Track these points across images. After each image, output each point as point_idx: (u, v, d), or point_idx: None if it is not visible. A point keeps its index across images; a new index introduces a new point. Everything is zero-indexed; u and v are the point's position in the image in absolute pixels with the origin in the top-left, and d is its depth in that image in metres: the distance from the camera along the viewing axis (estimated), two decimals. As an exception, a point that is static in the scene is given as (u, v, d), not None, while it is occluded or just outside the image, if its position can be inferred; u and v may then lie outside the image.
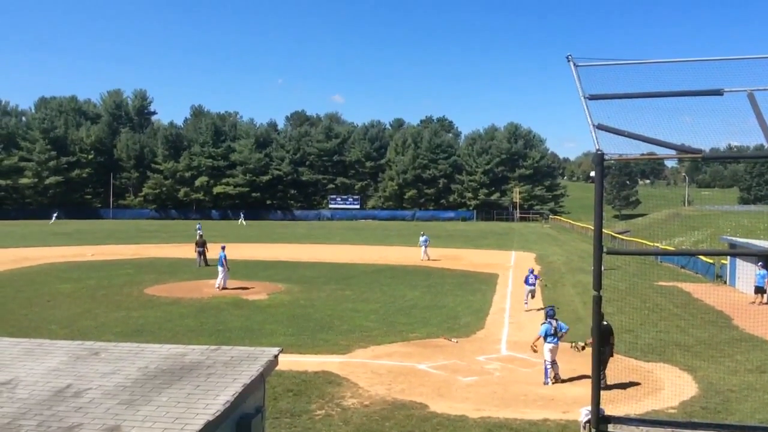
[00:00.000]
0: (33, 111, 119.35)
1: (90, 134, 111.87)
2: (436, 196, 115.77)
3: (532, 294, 25.29)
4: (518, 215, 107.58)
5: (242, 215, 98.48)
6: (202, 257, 36.81)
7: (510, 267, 39.15)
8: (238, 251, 39.64)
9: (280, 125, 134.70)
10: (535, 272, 27.36)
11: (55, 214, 62.40)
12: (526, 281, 25.53)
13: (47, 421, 6.04)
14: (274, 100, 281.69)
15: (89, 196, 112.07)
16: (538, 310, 23.01)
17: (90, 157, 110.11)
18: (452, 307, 24.96)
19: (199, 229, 63.30)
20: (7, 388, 6.89)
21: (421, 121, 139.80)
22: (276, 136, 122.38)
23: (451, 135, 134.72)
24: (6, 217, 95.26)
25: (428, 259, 41.33)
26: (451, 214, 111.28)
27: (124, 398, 6.61)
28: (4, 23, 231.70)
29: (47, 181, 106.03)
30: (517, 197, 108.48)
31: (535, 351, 15.62)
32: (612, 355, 14.64)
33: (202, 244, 37.25)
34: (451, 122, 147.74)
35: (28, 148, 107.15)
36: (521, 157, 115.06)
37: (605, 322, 14.59)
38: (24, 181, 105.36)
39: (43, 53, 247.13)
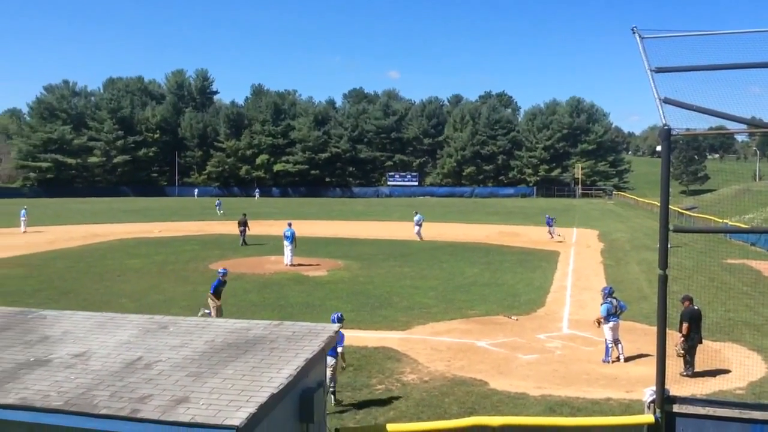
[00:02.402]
0: (101, 91, 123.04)
1: (155, 114, 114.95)
2: (495, 173, 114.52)
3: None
4: (580, 191, 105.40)
5: (257, 192, 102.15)
6: (243, 236, 36.93)
7: (571, 244, 38.51)
8: (298, 228, 40.14)
9: (338, 103, 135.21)
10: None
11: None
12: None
13: (119, 392, 6.29)
14: (332, 78, 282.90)
15: (155, 175, 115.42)
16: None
17: (156, 136, 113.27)
18: (512, 285, 24.77)
19: (218, 205, 64.97)
20: (81, 360, 7.21)
21: (480, 97, 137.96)
22: (334, 114, 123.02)
23: (510, 110, 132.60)
24: (76, 195, 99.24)
25: (421, 240, 39.39)
26: (511, 190, 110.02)
27: (191, 370, 6.82)
28: (72, 7, 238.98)
29: (115, 160, 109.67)
30: (579, 173, 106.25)
31: (598, 326, 15.43)
32: (701, 342, 14.26)
33: (243, 223, 37.19)
34: (510, 97, 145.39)
35: (97, 127, 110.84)
36: (583, 131, 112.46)
37: (695, 307, 14.26)
38: (93, 160, 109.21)
39: (111, 34, 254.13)
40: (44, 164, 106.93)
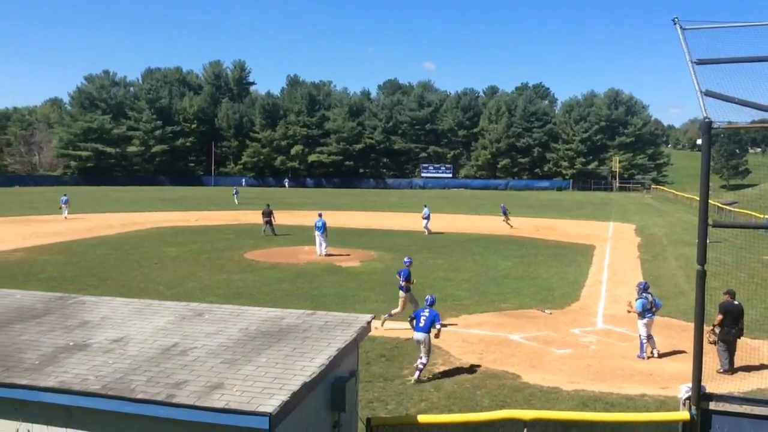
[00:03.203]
0: (140, 82, 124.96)
1: (193, 104, 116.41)
2: (530, 165, 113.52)
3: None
4: (617, 185, 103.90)
5: (287, 181, 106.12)
6: (269, 225, 36.99)
7: (608, 238, 38.02)
8: (331, 219, 40.37)
9: (373, 94, 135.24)
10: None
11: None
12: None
13: (156, 377, 6.41)
14: (367, 69, 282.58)
15: (192, 164, 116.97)
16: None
17: (193, 126, 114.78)
18: (546, 278, 24.56)
19: (235, 194, 65.76)
20: (119, 345, 7.36)
21: (516, 89, 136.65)
22: (369, 105, 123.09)
23: (547, 102, 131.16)
24: (115, 183, 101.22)
25: (428, 234, 38.53)
26: (546, 183, 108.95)
27: (226, 357, 6.92)
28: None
29: (153, 150, 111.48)
30: (616, 166, 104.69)
31: (629, 312, 15.28)
32: (739, 337, 14.01)
33: (268, 214, 37.36)
34: (547, 89, 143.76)
35: (136, 117, 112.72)
36: (622, 124, 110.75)
37: (736, 302, 14.01)
38: (132, 149, 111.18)
39: (150, 25, 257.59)
40: (84, 153, 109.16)
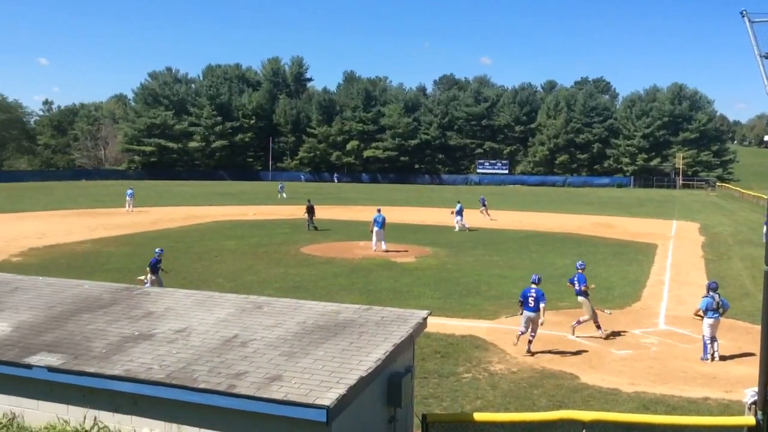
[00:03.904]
0: (201, 78, 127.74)
1: (251, 100, 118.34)
2: (589, 162, 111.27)
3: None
4: (681, 182, 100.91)
5: (336, 177, 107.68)
6: (310, 222, 37.18)
7: (670, 237, 36.99)
8: (387, 214, 40.41)
9: (429, 89, 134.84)
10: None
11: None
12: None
13: (217, 368, 6.56)
14: (422, 64, 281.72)
15: (251, 159, 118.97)
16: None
17: (251, 122, 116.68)
18: (605, 277, 24.05)
19: (281, 189, 66.34)
20: (182, 335, 7.56)
21: (576, 83, 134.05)
22: (424, 101, 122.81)
23: (607, 97, 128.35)
24: (177, 178, 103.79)
25: (460, 230, 37.68)
26: (606, 180, 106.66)
27: (284, 350, 7.03)
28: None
29: (214, 145, 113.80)
30: (680, 163, 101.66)
31: (699, 318, 14.83)
32: None
33: (309, 210, 37.53)
34: (608, 83, 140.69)
35: (197, 113, 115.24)
36: (686, 119, 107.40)
37: None
38: (193, 144, 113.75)
39: (211, 23, 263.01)
40: (148, 148, 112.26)
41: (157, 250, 19.45)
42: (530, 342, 14.46)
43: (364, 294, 20.14)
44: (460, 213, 38.73)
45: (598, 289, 21.60)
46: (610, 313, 18.40)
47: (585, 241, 34.45)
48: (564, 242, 33.65)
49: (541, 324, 14.60)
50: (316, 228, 36.81)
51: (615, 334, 16.34)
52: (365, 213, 35.61)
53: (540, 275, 15.20)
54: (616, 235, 37.29)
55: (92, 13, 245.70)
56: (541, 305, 14.34)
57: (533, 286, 14.60)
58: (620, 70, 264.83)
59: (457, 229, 37.96)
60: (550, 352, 14.70)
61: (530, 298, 14.41)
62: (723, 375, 13.32)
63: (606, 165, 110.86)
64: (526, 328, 14.55)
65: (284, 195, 64.47)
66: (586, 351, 14.88)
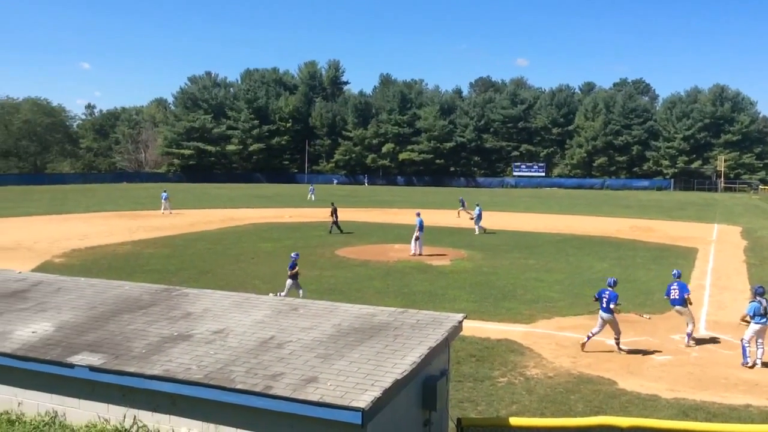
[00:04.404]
0: (239, 82, 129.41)
1: (288, 104, 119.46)
2: (628, 164, 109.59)
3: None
4: (722, 185, 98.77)
5: (366, 179, 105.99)
6: (334, 224, 37.08)
7: (711, 241, 36.20)
8: (423, 217, 40.41)
9: (465, 92, 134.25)
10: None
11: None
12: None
13: (254, 369, 6.63)
14: (459, 67, 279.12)
15: (287, 162, 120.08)
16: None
17: (288, 125, 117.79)
18: (644, 282, 23.63)
19: (311, 191, 66.85)
20: (220, 336, 7.66)
21: (614, 85, 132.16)
22: (460, 103, 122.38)
23: (647, 98, 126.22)
24: (215, 180, 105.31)
25: (480, 232, 37.47)
26: (645, 183, 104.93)
27: (320, 352, 7.07)
28: (215, 3, 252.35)
29: (251, 148, 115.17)
30: (721, 165, 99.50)
31: (746, 324, 14.46)
32: None
33: (333, 212, 37.47)
34: (647, 84, 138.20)
35: (235, 117, 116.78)
36: (728, 121, 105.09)
37: None
38: (231, 147, 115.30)
39: (249, 28, 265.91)
40: (187, 151, 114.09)
41: (292, 255, 19.78)
42: (617, 342, 15.01)
43: (399, 297, 20.12)
44: (479, 217, 38.51)
45: (637, 294, 21.29)
46: (650, 318, 18.06)
47: (624, 244, 33.91)
48: (602, 246, 33.18)
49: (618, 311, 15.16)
50: (341, 230, 36.85)
51: (653, 339, 16.04)
52: (401, 216, 35.61)
53: (615, 278, 15.84)
54: (655, 239, 36.63)
55: (133, 18, 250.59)
56: (612, 305, 14.77)
57: (608, 288, 15.04)
58: (660, 72, 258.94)
59: (477, 232, 37.78)
60: (587, 356, 14.50)
61: (604, 299, 14.89)
62: (766, 382, 12.99)
63: (645, 167, 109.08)
64: (600, 328, 14.97)
65: (313, 197, 64.97)
66: (625, 356, 14.66)
